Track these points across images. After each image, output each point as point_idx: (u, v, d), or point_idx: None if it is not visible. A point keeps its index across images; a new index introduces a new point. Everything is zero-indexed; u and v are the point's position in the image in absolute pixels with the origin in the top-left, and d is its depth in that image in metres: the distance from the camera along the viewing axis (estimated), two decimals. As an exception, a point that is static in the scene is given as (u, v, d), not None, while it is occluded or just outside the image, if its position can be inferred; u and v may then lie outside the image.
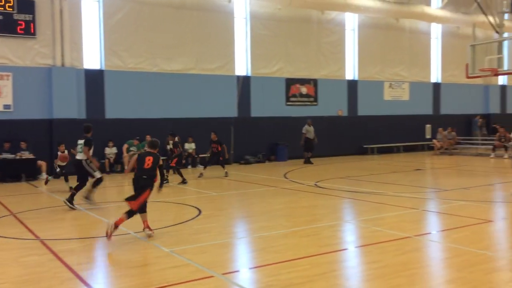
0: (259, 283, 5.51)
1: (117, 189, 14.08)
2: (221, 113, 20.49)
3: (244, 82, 21.12)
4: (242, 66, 21.44)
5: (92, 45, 18.09)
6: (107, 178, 14.17)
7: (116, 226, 7.08)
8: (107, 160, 17.51)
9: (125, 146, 17.75)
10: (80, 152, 10.25)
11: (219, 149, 15.64)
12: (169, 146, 15.07)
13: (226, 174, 15.85)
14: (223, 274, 5.73)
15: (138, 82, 18.72)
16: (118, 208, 10.41)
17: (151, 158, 7.73)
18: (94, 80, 17.88)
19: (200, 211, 9.65)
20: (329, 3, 21.72)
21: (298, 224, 8.42)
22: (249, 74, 21.45)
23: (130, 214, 7.31)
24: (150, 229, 7.51)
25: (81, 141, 10.29)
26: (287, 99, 22.36)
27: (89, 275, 5.89)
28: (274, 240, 7.33)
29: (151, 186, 7.58)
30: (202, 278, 5.54)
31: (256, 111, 21.54)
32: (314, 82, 22.99)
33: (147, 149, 8.21)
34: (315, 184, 13.48)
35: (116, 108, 18.26)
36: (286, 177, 15.44)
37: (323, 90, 23.22)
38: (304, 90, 22.75)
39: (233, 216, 9.68)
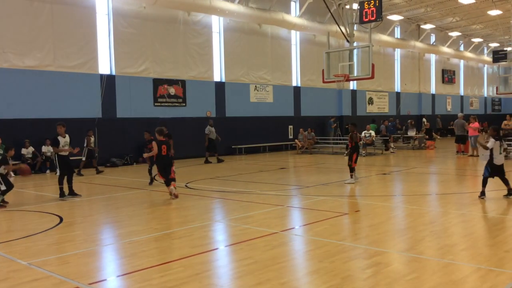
0: (130, 290, 5.32)
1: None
2: (83, 114, 19.33)
3: (108, 81, 20.19)
4: (105, 65, 20.48)
5: None
6: None
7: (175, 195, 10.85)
8: None
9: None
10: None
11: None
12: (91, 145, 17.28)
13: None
14: (89, 284, 5.40)
15: (-15, 78, 16.79)
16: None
17: (165, 146, 11.02)
18: None
19: (61, 219, 8.98)
20: (194, 5, 21.82)
21: (170, 227, 8.31)
22: (114, 73, 20.58)
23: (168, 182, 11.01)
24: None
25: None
26: (155, 100, 21.94)
27: None
28: (145, 245, 7.13)
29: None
30: (67, 291, 5.18)
31: (122, 111, 20.75)
32: (182, 83, 22.90)
33: (158, 138, 11.16)
34: (186, 186, 13.44)
35: (-43, 107, 16.16)
36: (155, 179, 15.12)
37: (192, 91, 23.26)
38: (172, 91, 22.54)
39: (99, 222, 9.17)
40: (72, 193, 11.69)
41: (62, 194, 11.51)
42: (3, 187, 10.62)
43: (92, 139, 17.58)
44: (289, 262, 6.22)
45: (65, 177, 11.57)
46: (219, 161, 20.66)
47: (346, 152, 23.39)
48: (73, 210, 10.24)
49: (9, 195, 11.00)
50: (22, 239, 7.47)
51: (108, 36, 20.48)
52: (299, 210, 10.07)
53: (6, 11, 17.32)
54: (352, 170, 13.12)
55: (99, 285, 5.48)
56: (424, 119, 35.39)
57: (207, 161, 20.45)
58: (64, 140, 11.55)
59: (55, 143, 11.46)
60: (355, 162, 13.14)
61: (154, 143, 11.19)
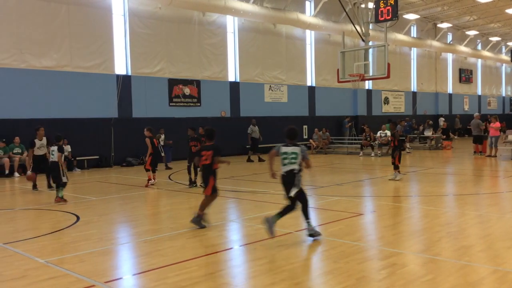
0: (145, 288, 5.36)
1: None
2: (99, 114, 19.55)
3: (124, 82, 20.38)
4: (121, 65, 20.67)
5: None
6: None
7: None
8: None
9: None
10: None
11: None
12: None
13: None
14: (106, 282, 5.46)
15: (4, 79, 17.12)
16: None
17: (156, 141, 12.69)
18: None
19: (78, 218, 9.09)
20: (209, 5, 21.90)
21: (184, 226, 8.34)
22: (130, 74, 20.76)
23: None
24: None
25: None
26: (170, 100, 22.07)
27: None
28: (160, 244, 7.17)
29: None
30: (83, 289, 5.23)
31: (138, 111, 20.93)
32: (197, 83, 23.00)
33: (148, 135, 12.84)
34: (200, 185, 13.46)
35: (-23, 107, 16.45)
36: (170, 179, 15.23)
37: (206, 91, 23.35)
38: (187, 91, 22.65)
39: (114, 221, 9.26)
40: (49, 186, 13.07)
41: (34, 187, 12.94)
42: (65, 179, 11.17)
43: (163, 136, 18.59)
44: (303, 262, 6.21)
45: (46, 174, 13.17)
46: (260, 160, 20.79)
47: (361, 152, 23.28)
48: (90, 209, 10.36)
49: (28, 194, 11.17)
50: (39, 237, 7.58)
51: (124, 37, 20.67)
52: (313, 210, 10.00)
53: (23, 12, 17.60)
54: (396, 167, 13.50)
55: (115, 283, 5.53)
56: (442, 119, 34.94)
57: (249, 160, 21.08)
58: (40, 143, 13.19)
59: (31, 145, 13.20)
60: (399, 160, 13.60)
61: (147, 140, 12.87)
